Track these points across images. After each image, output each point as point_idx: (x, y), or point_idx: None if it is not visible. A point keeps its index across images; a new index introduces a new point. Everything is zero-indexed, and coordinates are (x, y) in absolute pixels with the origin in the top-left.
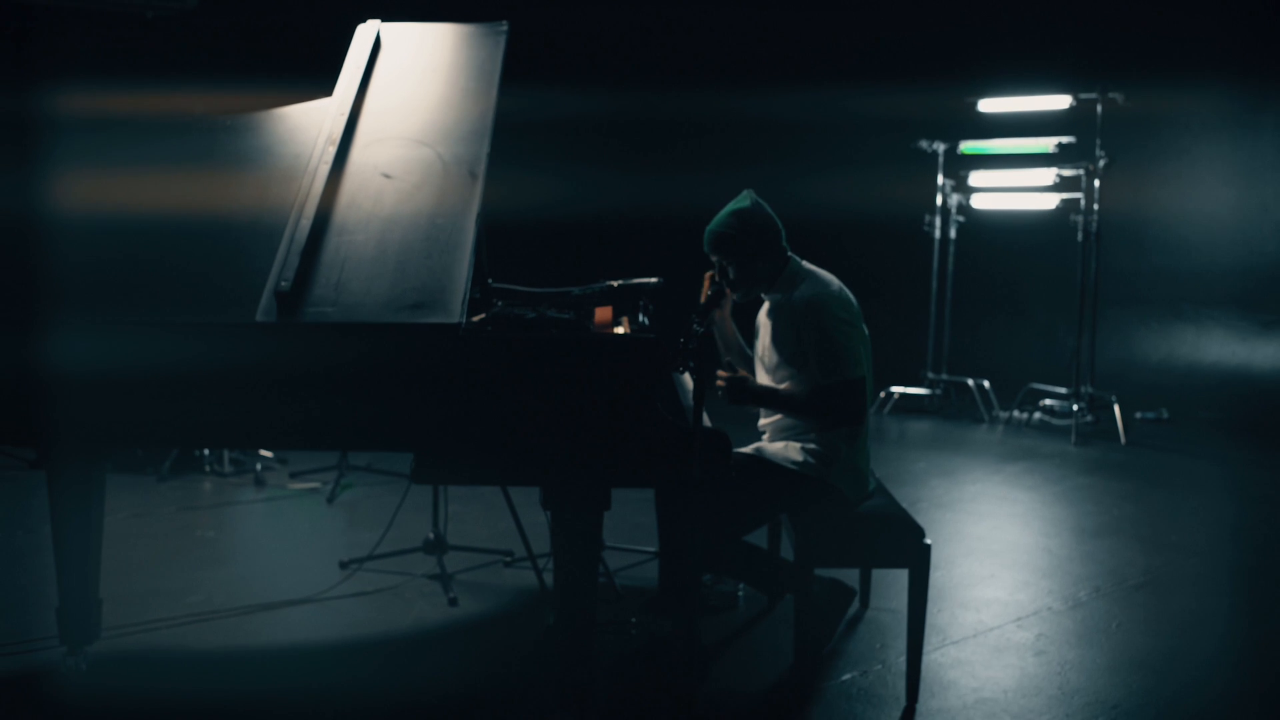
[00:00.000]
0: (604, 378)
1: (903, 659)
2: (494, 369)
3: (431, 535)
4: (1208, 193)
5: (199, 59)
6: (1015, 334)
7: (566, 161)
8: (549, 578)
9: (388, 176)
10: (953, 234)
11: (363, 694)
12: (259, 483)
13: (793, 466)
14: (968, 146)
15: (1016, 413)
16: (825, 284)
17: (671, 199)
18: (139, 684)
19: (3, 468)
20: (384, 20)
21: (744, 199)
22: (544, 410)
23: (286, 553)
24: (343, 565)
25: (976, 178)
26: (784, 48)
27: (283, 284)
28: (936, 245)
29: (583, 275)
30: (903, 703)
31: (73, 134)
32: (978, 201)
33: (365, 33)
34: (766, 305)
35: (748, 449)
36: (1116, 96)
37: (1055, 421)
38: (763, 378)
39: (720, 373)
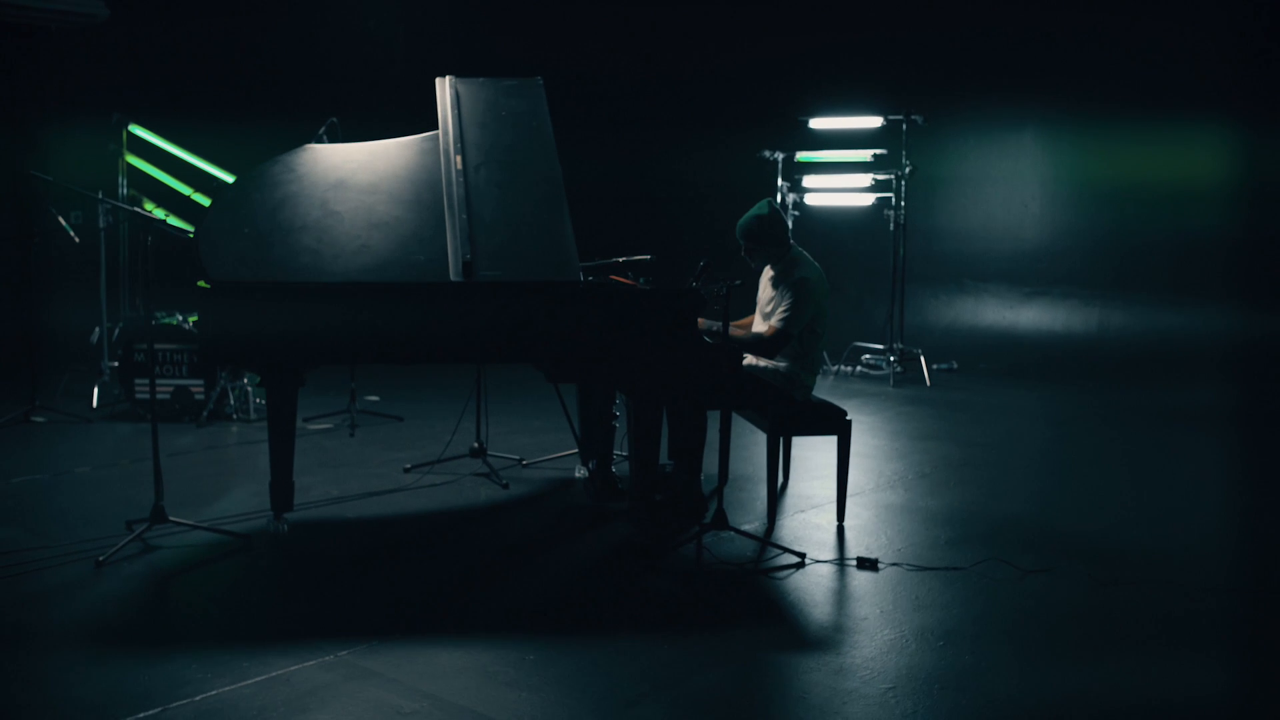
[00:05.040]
0: (664, 315)
1: (826, 507)
2: (597, 310)
3: (476, 444)
4: (983, 192)
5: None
6: (839, 304)
7: None
8: (551, 474)
9: (499, 187)
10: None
11: (475, 535)
12: None
13: (769, 379)
14: (802, 156)
15: (844, 366)
16: (811, 268)
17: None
18: (323, 538)
19: (58, 423)
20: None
21: (763, 206)
22: (628, 335)
23: (350, 466)
24: (406, 470)
25: (809, 181)
26: (653, 84)
27: (466, 257)
28: None
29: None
30: (835, 523)
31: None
32: (810, 200)
33: (445, 85)
34: (770, 275)
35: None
36: (917, 118)
37: (873, 372)
38: (759, 323)
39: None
